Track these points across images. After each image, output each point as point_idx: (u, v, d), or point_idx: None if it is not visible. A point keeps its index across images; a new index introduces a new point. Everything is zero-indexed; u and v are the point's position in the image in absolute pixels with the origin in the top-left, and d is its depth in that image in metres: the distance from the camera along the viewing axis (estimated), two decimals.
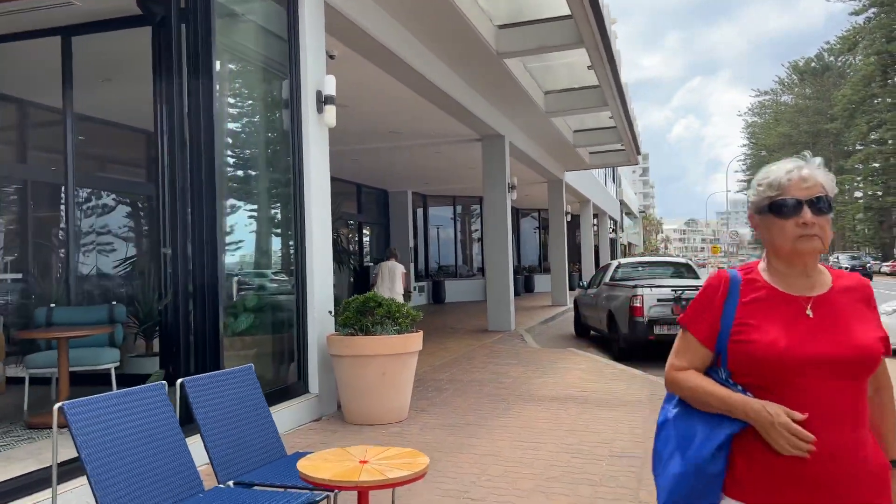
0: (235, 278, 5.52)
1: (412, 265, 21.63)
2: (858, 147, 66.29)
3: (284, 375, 5.95)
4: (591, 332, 12.95)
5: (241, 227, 5.71)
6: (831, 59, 75.54)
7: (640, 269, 12.26)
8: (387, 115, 11.46)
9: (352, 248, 20.08)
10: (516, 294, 27.11)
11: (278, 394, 5.62)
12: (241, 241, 5.76)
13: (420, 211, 23.36)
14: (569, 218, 20.98)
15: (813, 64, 78.81)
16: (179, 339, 4.71)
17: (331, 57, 8.07)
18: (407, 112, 11.32)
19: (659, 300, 9.42)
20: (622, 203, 44.32)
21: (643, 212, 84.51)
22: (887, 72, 53.06)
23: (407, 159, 15.90)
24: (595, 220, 28.24)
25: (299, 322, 5.94)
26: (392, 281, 11.22)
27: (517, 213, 29.71)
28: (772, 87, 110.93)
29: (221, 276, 4.89)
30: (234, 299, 5.48)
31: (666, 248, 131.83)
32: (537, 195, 24.46)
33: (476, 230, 25.36)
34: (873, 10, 54.08)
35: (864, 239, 59.10)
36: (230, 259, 5.49)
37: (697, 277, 11.63)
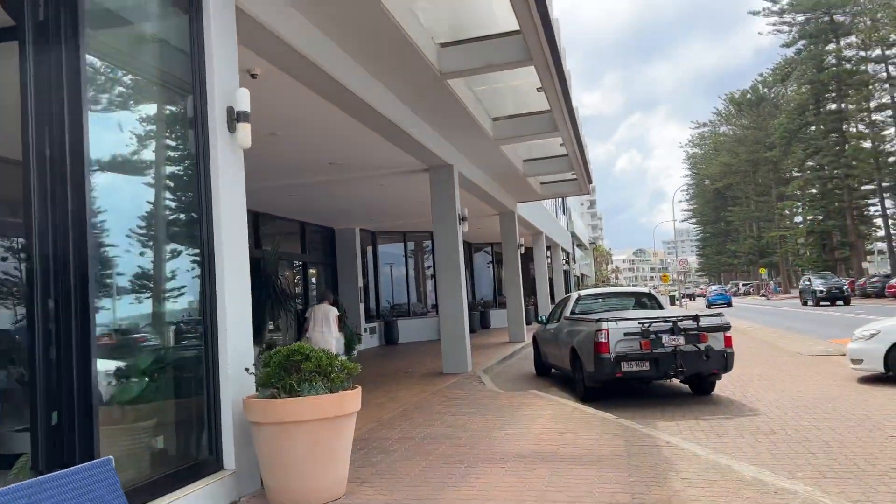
0: (123, 335, 4.49)
1: (361, 305, 20.58)
2: (796, 174, 68.46)
3: (192, 450, 4.89)
4: (553, 371, 12.13)
5: (132, 270, 4.69)
6: (765, 90, 78.40)
7: (600, 300, 11.56)
8: (324, 144, 10.60)
9: (296, 291, 18.95)
10: (472, 331, 26.23)
11: (185, 473, 4.57)
12: (135, 289, 4.74)
13: (370, 249, 22.41)
14: (522, 250, 20.33)
15: (749, 95, 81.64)
16: (37, 414, 3.66)
17: (252, 76, 7.19)
18: (346, 141, 10.48)
19: (626, 334, 8.67)
20: (573, 235, 44.23)
21: (593, 243, 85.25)
22: (819, 100, 55.01)
23: (351, 194, 15.02)
24: (548, 253, 27.74)
25: (209, 383, 4.92)
26: (325, 325, 10.47)
27: (470, 248, 29.03)
28: (710, 118, 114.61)
29: (92, 333, 3.86)
30: (124, 360, 4.45)
31: (616, 278, 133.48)
32: (490, 228, 23.81)
33: (429, 266, 24.50)
34: (803, 41, 56.28)
35: (808, 262, 60.46)
36: (120, 312, 4.48)
37: (661, 307, 10.97)
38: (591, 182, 17.72)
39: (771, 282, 65.89)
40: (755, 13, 58.39)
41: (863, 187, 54.42)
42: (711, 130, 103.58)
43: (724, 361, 8.78)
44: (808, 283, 39.57)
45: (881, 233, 57.97)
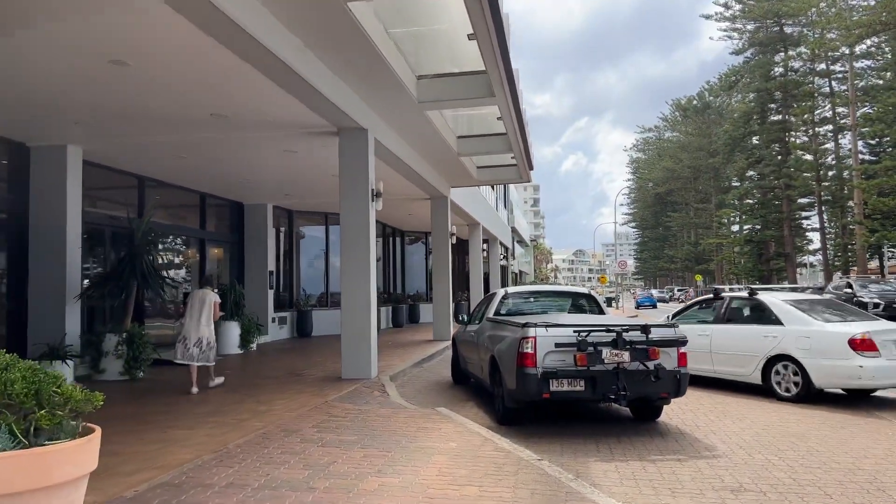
0: None
1: (270, 292, 18.30)
2: (736, 183, 68.94)
3: None
4: (472, 380, 10.26)
5: None
6: (711, 98, 78.90)
7: (531, 300, 9.73)
8: (198, 86, 8.37)
9: (184, 273, 16.53)
10: (398, 325, 24.33)
11: None
12: None
13: (284, 230, 20.10)
14: (454, 240, 18.42)
15: (695, 102, 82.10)
16: None
17: None
18: (227, 83, 8.30)
19: (557, 345, 6.83)
20: (514, 230, 42.70)
21: (534, 240, 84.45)
22: (765, 110, 55.11)
23: (254, 162, 12.76)
24: (485, 246, 25.97)
25: None
26: (203, 312, 9.35)
27: (402, 236, 26.98)
28: (656, 124, 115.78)
29: None
30: None
31: (555, 277, 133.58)
32: (425, 216, 21.82)
33: None
34: (752, 49, 56.27)
35: (743, 271, 60.81)
36: None
37: (603, 312, 9.20)
38: (531, 168, 15.93)
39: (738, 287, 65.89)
40: (707, 17, 58.11)
41: (800, 199, 54.84)
42: (656, 136, 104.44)
43: (677, 384, 7.03)
44: (847, 289, 24.82)
45: (814, 245, 58.78)
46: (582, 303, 9.45)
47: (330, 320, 20.14)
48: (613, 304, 44.59)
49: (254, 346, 15.20)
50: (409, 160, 12.99)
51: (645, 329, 6.93)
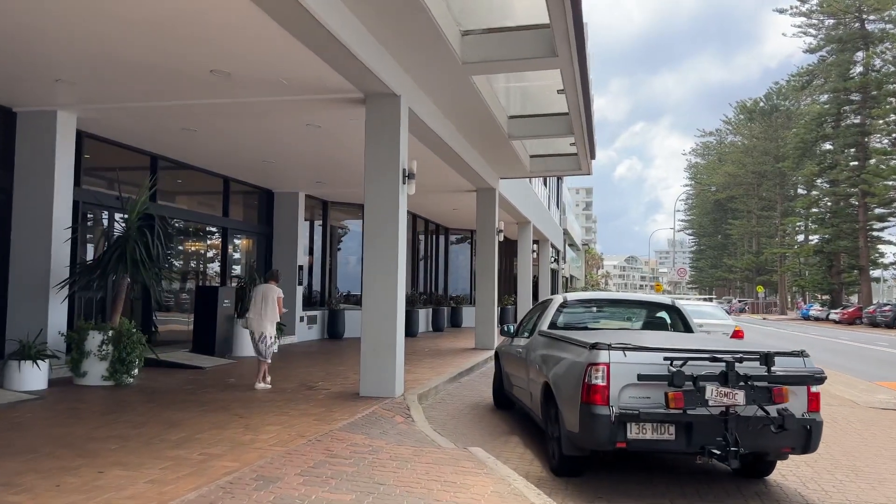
0: None
1: (299, 288, 16.74)
2: (802, 190, 64.96)
3: None
4: (518, 406, 8.37)
5: None
6: (779, 100, 74.82)
7: (595, 310, 7.77)
8: (199, 41, 6.75)
9: (200, 261, 15.09)
10: (439, 329, 22.50)
11: None
12: None
13: (319, 223, 18.54)
14: (501, 238, 16.51)
15: (761, 104, 78.04)
16: None
17: None
18: (234, 36, 6.65)
19: (641, 377, 4.90)
20: (566, 232, 40.47)
21: (586, 245, 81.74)
22: (841, 113, 51.39)
23: (270, 135, 11.15)
24: (535, 247, 23.98)
25: None
26: (265, 306, 8.95)
27: (446, 233, 25.19)
28: (718, 127, 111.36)
29: None
30: None
31: (606, 283, 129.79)
32: (470, 212, 19.99)
33: None
34: (828, 48, 52.59)
35: (811, 283, 56.99)
36: None
37: (691, 330, 7.17)
38: (593, 156, 13.92)
39: (801, 300, 61.38)
40: (781, 11, 54.60)
41: (878, 209, 50.87)
42: (717, 140, 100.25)
43: (807, 436, 5.01)
44: None
45: (888, 259, 54.60)
46: (661, 317, 7.43)
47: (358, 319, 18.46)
48: None
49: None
50: (450, 140, 11.17)
51: (767, 358, 4.92)
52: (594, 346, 5.16)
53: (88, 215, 10.99)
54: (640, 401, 5.00)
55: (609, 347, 5.10)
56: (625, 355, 5.06)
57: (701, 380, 4.80)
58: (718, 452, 4.81)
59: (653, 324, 7.41)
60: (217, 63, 7.61)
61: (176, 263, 14.21)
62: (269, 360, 9.04)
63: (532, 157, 15.11)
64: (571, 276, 47.91)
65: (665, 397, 4.80)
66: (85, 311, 10.72)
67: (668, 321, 7.37)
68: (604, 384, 5.02)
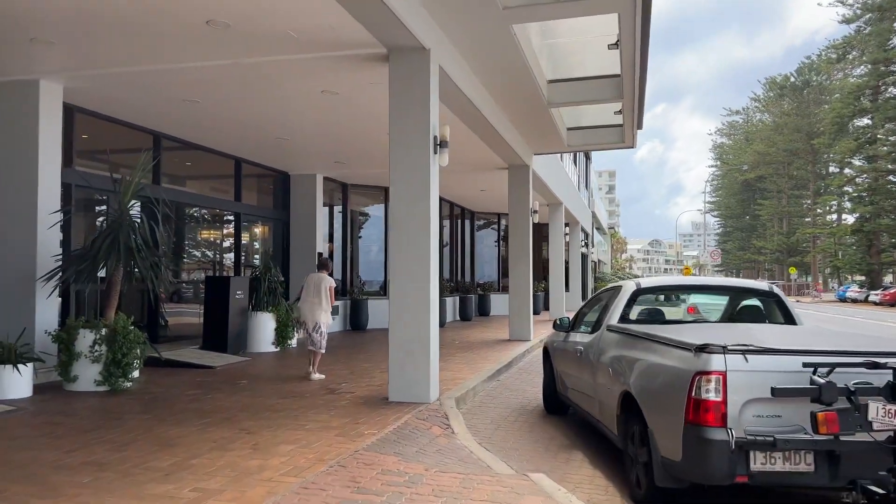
0: None
1: None
2: (835, 168, 62.62)
3: None
4: (572, 410, 7.15)
5: None
6: (811, 74, 72.20)
7: (673, 300, 6.47)
8: None
9: (207, 248, 14.02)
10: (467, 319, 21.25)
11: None
12: None
13: (339, 209, 17.37)
14: (536, 219, 15.22)
15: (792, 79, 75.41)
16: None
17: None
18: None
19: (777, 390, 3.64)
20: (594, 215, 38.96)
21: (612, 228, 79.97)
22: (880, 85, 49.07)
23: (282, 105, 9.95)
24: (567, 230, 22.63)
25: None
26: (316, 295, 8.78)
27: (472, 218, 23.92)
28: (745, 105, 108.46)
29: None
30: None
31: (630, 267, 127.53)
32: (498, 194, 18.73)
33: None
34: (867, 17, 50.19)
35: (848, 264, 54.88)
36: None
37: (795, 322, 5.84)
38: (640, 126, 12.54)
39: (851, 282, 58.45)
40: None
41: None
42: (745, 119, 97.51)
43: None
44: None
45: None
46: (755, 306, 6.11)
47: (386, 311, 17.33)
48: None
49: (292, 342, 12.51)
50: (484, 108, 9.88)
51: None
52: (703, 349, 3.90)
53: (82, 200, 9.91)
54: (769, 421, 3.75)
55: (724, 350, 3.84)
56: (745, 360, 3.80)
57: (860, 394, 3.52)
58: (881, 491, 3.54)
59: (744, 315, 6.09)
60: (213, 12, 6.40)
61: (192, 252, 13.16)
62: (324, 350, 8.85)
63: (569, 129, 13.77)
64: (599, 261, 46.40)
65: (812, 419, 3.53)
66: (82, 307, 9.68)
67: (763, 311, 6.05)
68: (718, 399, 3.77)
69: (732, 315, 6.37)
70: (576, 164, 26.61)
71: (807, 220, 73.55)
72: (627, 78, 9.48)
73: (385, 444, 5.47)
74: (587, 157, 33.93)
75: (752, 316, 5.97)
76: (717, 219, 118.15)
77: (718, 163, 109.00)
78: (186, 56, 7.51)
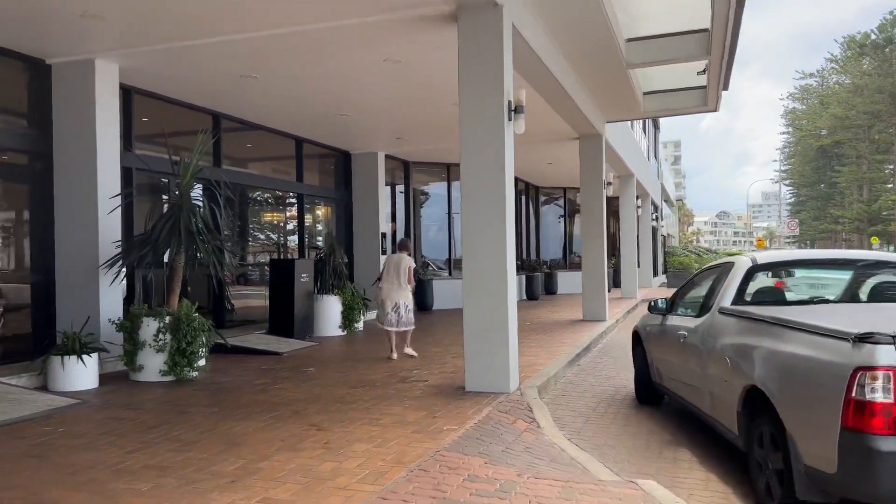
0: None
1: (383, 258, 15.20)
2: None
3: None
4: (667, 398, 6.45)
5: None
6: (895, 31, 67.44)
7: (801, 276, 5.68)
8: None
9: (270, 231, 13.77)
10: (533, 298, 20.57)
11: None
12: None
13: (400, 188, 16.89)
14: (610, 192, 14.37)
15: (873, 37, 70.67)
16: None
17: None
18: None
19: None
20: (662, 188, 37.41)
21: (679, 200, 77.37)
22: None
23: (342, 78, 9.46)
24: (639, 202, 21.59)
25: None
26: (396, 276, 8.82)
27: (537, 193, 23.11)
28: (819, 67, 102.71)
29: None
30: None
31: (697, 241, 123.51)
32: (564, 167, 17.91)
33: None
34: None
35: None
36: None
37: None
38: (726, 87, 11.51)
39: None
40: None
41: None
42: (819, 82, 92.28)
43: None
44: None
45: None
46: (891, 282, 5.24)
47: (454, 292, 16.75)
48: None
49: (359, 325, 12.14)
50: (558, 71, 9.14)
51: None
52: (866, 338, 3.17)
53: (144, 185, 9.69)
54: None
55: (893, 339, 3.10)
56: None
57: None
58: None
59: (878, 292, 5.24)
60: None
61: (257, 235, 12.94)
62: (413, 327, 8.93)
63: (645, 94, 12.82)
64: (668, 235, 44.73)
65: None
66: (149, 294, 9.50)
67: None
68: (889, 401, 3.05)
69: (856, 293, 5.51)
70: (645, 133, 25.37)
71: (889, 185, 69.22)
72: (718, 31, 8.55)
73: (468, 443, 4.93)
74: (656, 126, 32.47)
75: (887, 294, 5.11)
76: (790, 188, 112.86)
77: (790, 129, 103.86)
78: (244, 26, 7.05)
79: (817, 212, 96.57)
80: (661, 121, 34.50)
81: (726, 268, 5.40)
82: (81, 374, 6.85)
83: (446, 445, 4.79)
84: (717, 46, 9.19)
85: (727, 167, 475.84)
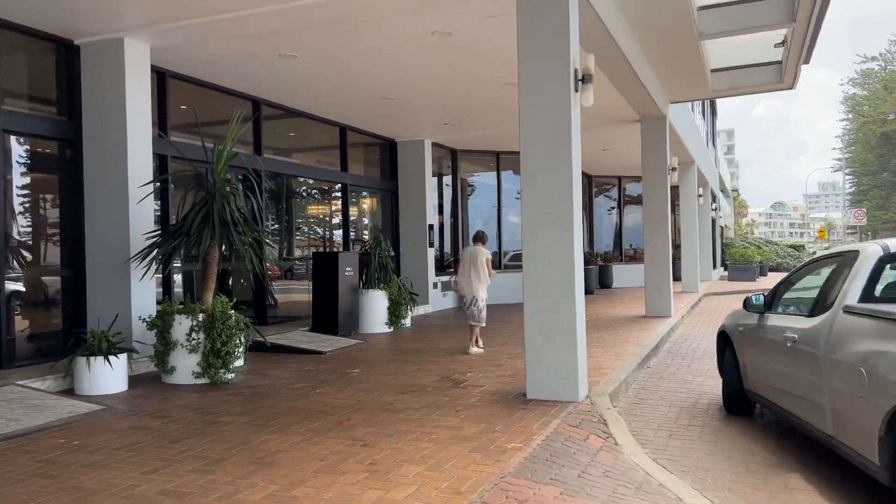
0: None
1: (430, 251, 14.55)
2: None
3: None
4: (759, 406, 5.56)
5: None
6: None
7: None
8: None
9: (321, 224, 13.22)
10: (588, 291, 19.44)
11: None
12: None
13: (446, 178, 16.16)
14: (675, 178, 13.37)
15: None
16: None
17: None
18: None
19: None
20: (720, 177, 35.76)
21: (735, 191, 74.77)
22: None
23: (386, 56, 8.77)
24: (701, 191, 20.38)
25: None
26: (473, 269, 8.64)
27: (589, 181, 22.10)
28: (883, 50, 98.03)
29: None
30: None
31: (751, 232, 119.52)
32: (620, 154, 16.93)
33: None
34: None
35: None
36: None
37: None
38: (807, 60, 10.40)
39: None
40: None
41: None
42: (882, 66, 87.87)
43: None
44: None
45: None
46: None
47: (500, 286, 16.03)
48: None
49: (406, 321, 11.47)
50: (622, 41, 8.25)
51: None
52: None
53: (182, 174, 9.19)
54: None
55: None
56: None
57: None
58: None
59: None
60: None
61: (301, 226, 12.40)
62: (484, 324, 8.69)
63: (712, 71, 11.77)
64: (725, 226, 42.93)
65: None
66: (189, 289, 9.02)
67: None
68: None
69: None
70: (704, 118, 24.06)
71: None
72: None
73: (536, 466, 4.17)
74: (713, 112, 30.97)
75: None
76: (850, 177, 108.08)
77: (851, 115, 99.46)
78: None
79: (880, 201, 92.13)
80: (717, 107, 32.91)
81: (848, 258, 4.49)
82: (108, 376, 6.34)
83: (511, 470, 4.05)
84: (804, 10, 8.16)
85: (781, 157, 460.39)
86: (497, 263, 16.86)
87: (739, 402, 5.87)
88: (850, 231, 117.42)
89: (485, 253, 8.74)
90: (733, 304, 12.09)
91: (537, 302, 5.81)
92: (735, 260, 28.30)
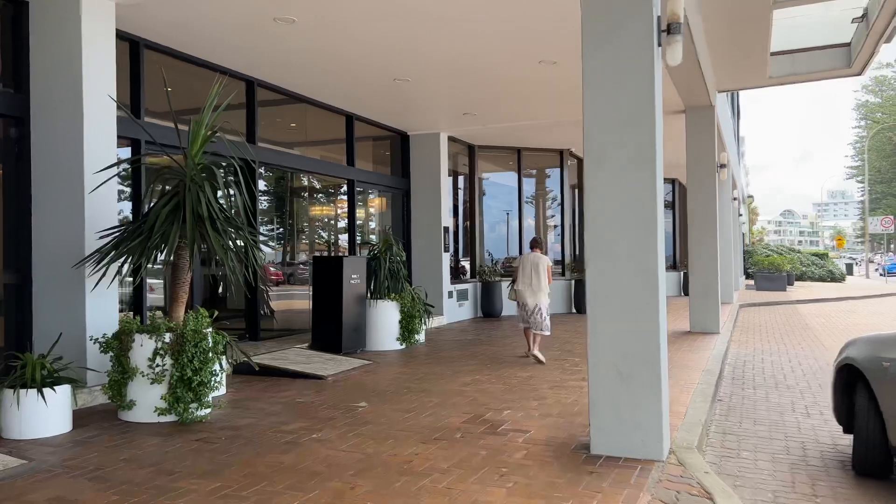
0: None
1: (445, 257, 13.11)
2: None
3: None
4: None
5: None
6: None
7: None
8: None
9: (330, 222, 11.80)
10: None
11: None
12: None
13: (464, 177, 14.73)
14: (723, 176, 11.91)
15: None
16: None
17: None
18: None
19: None
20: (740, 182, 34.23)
21: (750, 197, 73.21)
22: None
23: (400, 24, 7.36)
24: (735, 193, 18.89)
25: None
26: (535, 276, 8.31)
27: None
28: None
29: None
30: None
31: (762, 240, 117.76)
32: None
33: (555, 200, 16.42)
34: None
35: None
36: None
37: None
38: (889, 39, 8.93)
39: None
40: None
41: None
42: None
43: None
44: None
45: None
46: None
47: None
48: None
49: (420, 336, 10.01)
50: (689, 8, 6.80)
51: None
52: None
53: (160, 164, 7.79)
54: None
55: None
56: None
57: None
58: None
59: None
60: None
61: (304, 226, 10.98)
62: (549, 332, 8.44)
63: (775, 54, 10.32)
64: (744, 233, 41.40)
65: None
66: (168, 302, 7.61)
67: None
68: None
69: None
70: (733, 116, 22.59)
71: None
72: None
73: None
74: (738, 111, 29.51)
75: None
76: (862, 185, 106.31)
77: (864, 123, 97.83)
78: None
79: (894, 209, 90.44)
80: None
81: None
82: (43, 415, 4.90)
83: None
84: None
85: (790, 165, 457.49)
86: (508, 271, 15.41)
87: (878, 462, 4.39)
88: (858, 241, 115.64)
89: (546, 260, 8.55)
90: (773, 317, 10.61)
91: (609, 327, 4.35)
92: (763, 268, 26.78)
